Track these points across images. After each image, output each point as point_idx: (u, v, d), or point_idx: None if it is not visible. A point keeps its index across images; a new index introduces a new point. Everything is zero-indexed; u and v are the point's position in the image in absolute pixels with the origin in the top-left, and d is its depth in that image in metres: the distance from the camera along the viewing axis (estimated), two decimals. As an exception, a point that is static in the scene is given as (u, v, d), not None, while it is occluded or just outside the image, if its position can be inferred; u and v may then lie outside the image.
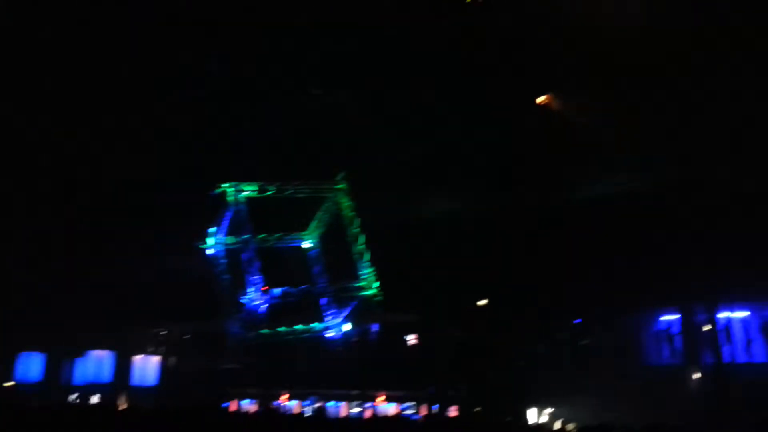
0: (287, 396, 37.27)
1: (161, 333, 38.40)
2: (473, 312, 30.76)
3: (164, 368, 37.37)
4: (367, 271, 25.26)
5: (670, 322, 27.31)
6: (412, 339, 35.56)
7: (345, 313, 27.87)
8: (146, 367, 36.15)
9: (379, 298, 25.70)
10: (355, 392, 32.81)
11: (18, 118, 20.90)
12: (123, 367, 35.67)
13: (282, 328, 26.80)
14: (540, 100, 19.37)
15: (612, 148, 20.17)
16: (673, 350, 27.00)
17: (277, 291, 24.91)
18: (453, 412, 31.42)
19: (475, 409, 30.02)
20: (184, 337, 38.56)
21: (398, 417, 32.59)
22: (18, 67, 18.97)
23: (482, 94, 19.08)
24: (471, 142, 22.19)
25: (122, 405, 33.02)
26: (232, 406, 38.09)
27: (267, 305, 24.92)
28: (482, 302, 30.20)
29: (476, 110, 19.99)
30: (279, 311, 25.69)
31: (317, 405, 36.44)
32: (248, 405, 37.50)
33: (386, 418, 28.49)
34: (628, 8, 15.51)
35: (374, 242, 25.28)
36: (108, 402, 30.65)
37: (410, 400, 35.06)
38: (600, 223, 24.30)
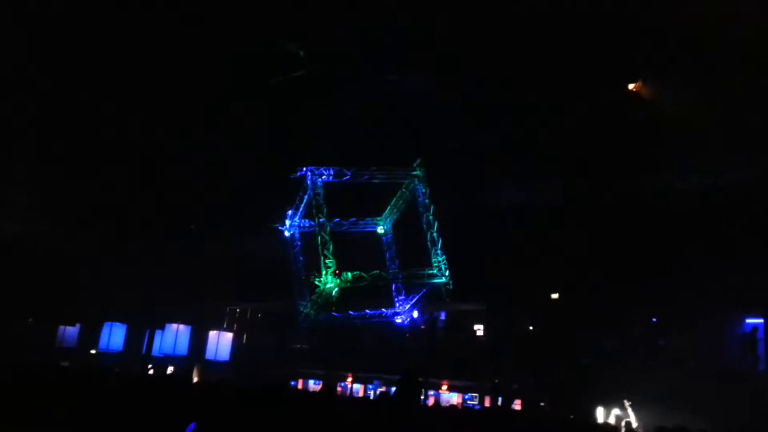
0: (352, 378, 37.97)
1: (236, 310, 39.78)
2: (544, 305, 30.36)
3: (237, 344, 38.73)
4: (439, 259, 25.20)
5: (754, 326, 26.16)
6: (479, 329, 35.45)
7: (414, 300, 27.95)
8: (220, 342, 37.55)
9: (449, 286, 25.61)
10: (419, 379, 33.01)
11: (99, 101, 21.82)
12: (198, 342, 37.15)
13: (352, 312, 27.10)
14: (631, 86, 18.73)
15: (705, 140, 19.34)
16: (756, 356, 25.86)
17: (349, 275, 25.15)
18: (516, 405, 31.18)
19: (539, 404, 29.69)
20: (258, 315, 39.81)
21: (461, 406, 32.67)
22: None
23: (567, 78, 18.60)
24: (550, 129, 21.74)
25: (196, 377, 34.44)
26: (299, 384, 39.12)
27: (338, 288, 25.21)
28: (554, 295, 29.76)
29: (559, 96, 19.54)
30: (350, 295, 25.98)
31: (381, 389, 36.93)
32: (314, 385, 38.46)
33: (449, 407, 28.56)
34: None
35: (447, 230, 25.19)
36: (182, 373, 32.01)
37: (473, 391, 35.02)
38: (686, 218, 23.41)
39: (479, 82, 20.57)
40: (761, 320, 26.04)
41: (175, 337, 37.47)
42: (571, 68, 18.72)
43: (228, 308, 40.83)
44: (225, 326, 40.26)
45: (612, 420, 26.01)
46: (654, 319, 28.43)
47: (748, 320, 26.43)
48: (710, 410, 23.31)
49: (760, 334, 25.81)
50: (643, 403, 25.47)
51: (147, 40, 19.31)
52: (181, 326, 37.83)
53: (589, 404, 27.52)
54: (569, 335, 28.58)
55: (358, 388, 38.14)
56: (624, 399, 25.86)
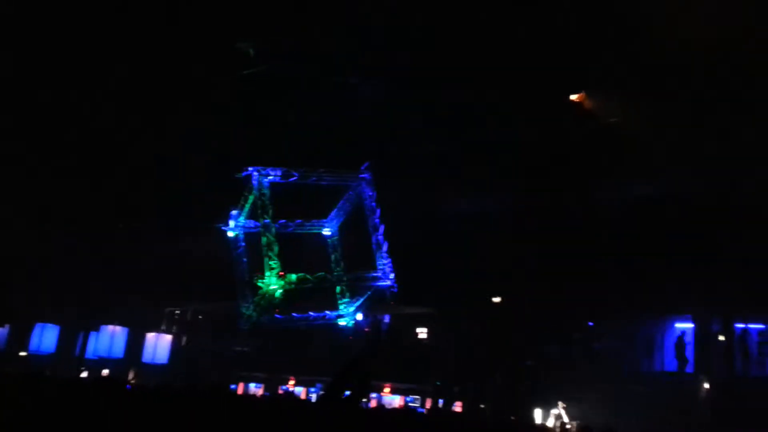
0: (294, 382, 37.59)
1: (175, 312, 38.74)
2: (486, 309, 30.85)
3: (176, 347, 37.71)
4: (384, 262, 25.34)
5: (684, 331, 27.28)
6: (422, 332, 35.73)
7: (359, 303, 27.99)
8: (158, 344, 36.46)
9: (394, 289, 25.79)
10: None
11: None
12: (136, 344, 35.98)
13: (295, 314, 26.92)
14: (574, 97, 19.34)
15: (640, 150, 20.15)
16: (684, 359, 26.96)
17: (293, 276, 25.00)
18: (458, 407, 31.57)
19: (480, 406, 30.14)
20: (198, 317, 38.89)
21: (403, 409, 32.80)
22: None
23: (514, 89, 19.06)
24: (498, 138, 22.21)
25: (131, 380, 33.38)
26: (240, 388, 38.45)
27: (282, 290, 25.03)
28: (496, 299, 30.28)
29: (506, 106, 19.99)
30: (294, 297, 25.81)
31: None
32: (255, 388, 37.86)
33: (391, 409, 28.67)
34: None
35: (393, 234, 25.36)
36: (117, 377, 30.94)
37: (416, 393, 35.26)
38: (621, 226, 24.28)
39: (430, 88, 20.84)
40: (690, 325, 27.17)
41: (110, 339, 36.16)
42: (518, 79, 19.19)
43: (167, 309, 39.79)
44: (164, 328, 39.19)
45: (551, 421, 26.67)
46: (590, 323, 29.33)
47: (678, 325, 27.55)
48: (641, 412, 24.28)
49: (688, 339, 26.93)
50: (579, 405, 26.25)
51: (94, 33, 18.79)
52: (118, 328, 36.54)
53: (529, 406, 28.12)
54: (510, 339, 29.15)
55: (301, 391, 37.80)
56: (559, 401, 26.58)
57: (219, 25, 19.23)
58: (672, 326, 27.88)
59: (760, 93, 17.84)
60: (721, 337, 26.06)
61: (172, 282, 32.66)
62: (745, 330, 26.00)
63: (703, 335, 26.58)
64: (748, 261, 23.09)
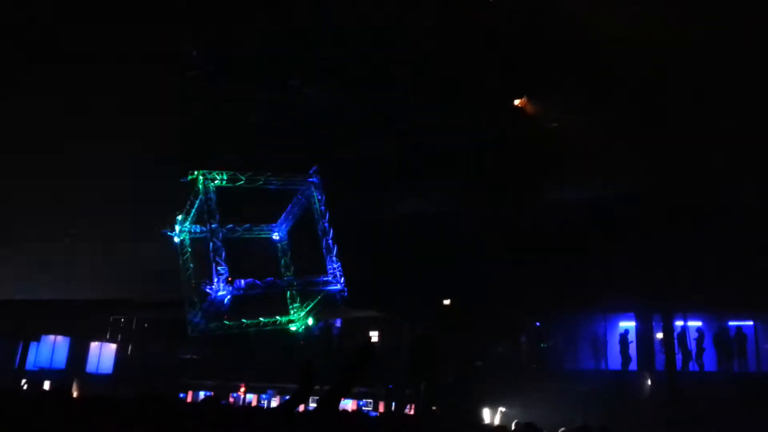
0: (245, 388, 37.14)
1: (120, 319, 37.79)
2: (436, 311, 31.12)
3: (121, 356, 36.80)
4: (334, 266, 25.22)
5: (627, 329, 28.09)
6: (374, 336, 35.80)
7: (309, 307, 27.79)
8: (102, 354, 35.55)
9: (344, 293, 25.70)
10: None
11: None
12: (78, 354, 34.98)
13: (245, 320, 26.52)
14: (517, 102, 19.73)
15: (582, 153, 20.71)
16: (628, 357, 27.76)
17: (242, 282, 24.62)
18: (410, 410, 31.75)
19: (431, 408, 30.38)
20: (144, 325, 38.02)
21: (356, 412, 32.80)
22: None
23: (462, 93, 19.31)
24: (446, 141, 22.44)
25: (75, 392, 32.37)
26: (188, 396, 37.76)
27: (231, 296, 24.61)
28: (446, 302, 30.58)
29: (454, 110, 20.23)
30: (243, 302, 25.43)
31: (275, 398, 36.37)
32: (204, 396, 37.23)
33: (344, 413, 28.53)
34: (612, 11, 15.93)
35: (343, 238, 25.27)
36: (60, 388, 29.99)
37: (368, 397, 35.27)
38: (567, 227, 24.84)
39: (379, 91, 20.89)
40: (633, 323, 28.00)
41: (52, 349, 35.09)
42: (464, 82, 19.43)
43: (112, 318, 38.75)
44: (108, 337, 38.15)
45: (497, 419, 27.05)
46: (537, 323, 29.93)
47: (621, 323, 28.37)
48: (587, 409, 24.89)
49: (631, 337, 27.75)
50: (525, 403, 26.74)
51: (29, 29, 18.14)
52: (59, 337, 35.46)
53: (478, 406, 28.48)
54: (459, 340, 29.47)
55: (252, 398, 37.37)
56: (501, 405, 27.02)
57: (165, 23, 18.80)
58: (615, 325, 28.68)
59: (697, 94, 18.57)
60: (662, 335, 26.95)
61: (116, 289, 31.84)
62: (684, 327, 26.96)
63: (645, 333, 27.43)
64: (687, 260, 23.97)
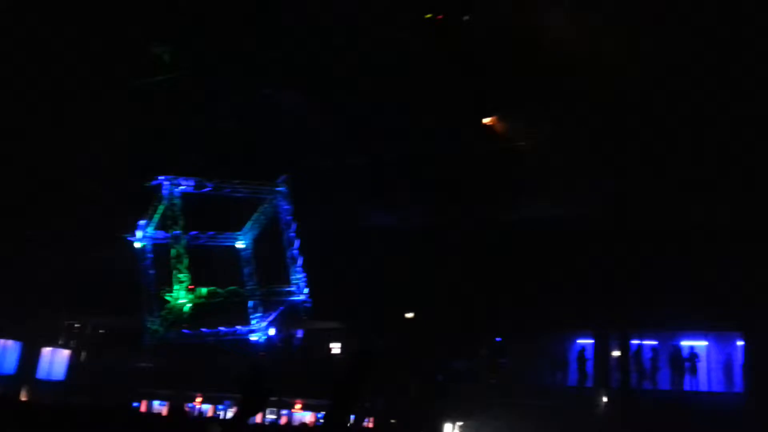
0: (201, 399, 36.42)
1: (74, 325, 36.75)
2: (399, 324, 31.16)
3: (74, 362, 35.76)
4: (298, 277, 25.14)
5: (584, 346, 28.59)
6: (335, 347, 35.60)
7: (271, 318, 27.59)
8: (55, 360, 34.50)
9: (307, 304, 25.62)
10: (271, 398, 32.45)
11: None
12: (29, 359, 33.85)
13: (204, 329, 26.18)
14: (486, 121, 20.12)
15: (545, 172, 21.20)
16: (584, 374, 28.24)
17: (203, 290, 24.35)
18: (369, 423, 31.61)
19: (391, 421, 30.32)
20: (99, 331, 37.06)
21: (314, 425, 32.49)
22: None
23: (432, 109, 19.58)
24: (413, 155, 22.68)
25: (24, 398, 31.36)
26: (143, 406, 36.86)
27: (191, 304, 24.30)
28: (408, 315, 30.65)
29: (424, 125, 20.49)
30: (204, 311, 25.12)
31: (232, 409, 35.76)
32: (159, 406, 36.40)
33: (301, 426, 28.36)
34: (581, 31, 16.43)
35: (308, 248, 25.22)
36: (9, 394, 29.00)
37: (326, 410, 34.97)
38: (528, 247, 25.28)
39: (350, 104, 21.02)
40: (591, 341, 28.52)
41: (2, 353, 33.90)
42: (434, 99, 19.71)
43: (66, 323, 37.67)
44: (61, 342, 37.03)
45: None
46: (498, 339, 30.22)
47: (579, 341, 28.85)
48: (544, 424, 25.26)
49: (588, 354, 28.25)
50: (484, 419, 26.95)
51: None
52: (9, 342, 34.27)
53: (437, 420, 28.55)
54: (421, 354, 29.55)
55: (208, 409, 36.66)
56: (460, 419, 27.20)
57: (133, 28, 18.63)
58: (574, 342, 29.15)
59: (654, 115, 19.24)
60: (618, 353, 27.52)
61: (71, 294, 31.00)
62: (639, 346, 27.58)
63: (602, 351, 27.97)
64: (643, 281, 24.61)
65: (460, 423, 28.20)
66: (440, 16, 16.46)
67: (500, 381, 29.15)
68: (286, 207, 25.01)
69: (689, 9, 16.51)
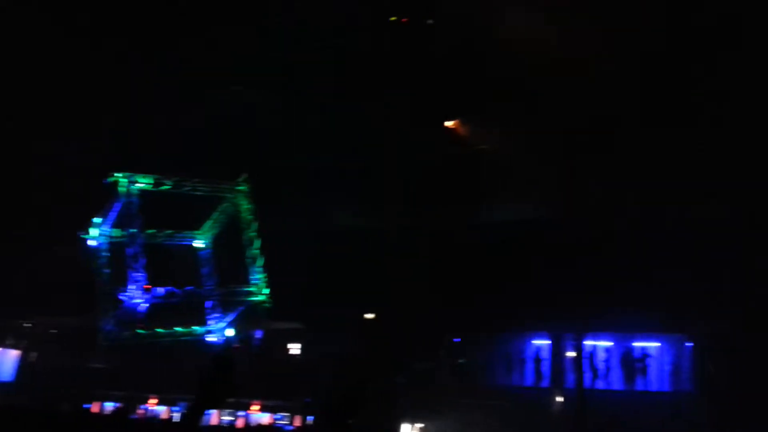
0: (156, 400, 35.73)
1: (24, 325, 35.64)
2: (358, 325, 31.17)
3: (25, 363, 34.71)
4: (258, 277, 24.92)
5: (540, 347, 29.12)
6: (294, 348, 35.38)
7: (230, 318, 27.28)
8: (3, 360, 33.41)
9: (267, 305, 25.42)
10: (228, 399, 32.04)
11: None
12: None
13: (160, 329, 25.74)
14: (448, 124, 20.33)
15: (504, 176, 21.54)
16: (541, 374, 28.76)
17: (160, 290, 23.94)
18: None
19: (348, 422, 30.30)
20: (51, 331, 36.01)
21: (271, 427, 32.20)
22: None
23: (396, 111, 19.70)
24: (374, 156, 22.75)
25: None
26: (95, 407, 35.99)
27: (147, 304, 23.88)
28: (368, 316, 30.70)
29: (387, 127, 20.58)
30: (160, 311, 24.70)
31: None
32: (112, 407, 35.57)
33: (258, 428, 28.11)
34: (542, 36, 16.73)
35: (268, 248, 25.02)
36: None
37: (285, 411, 34.73)
38: (486, 248, 25.62)
39: (313, 104, 20.98)
40: (547, 342, 29.06)
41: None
42: (398, 100, 19.83)
43: (15, 322, 36.51)
44: (10, 343, 35.88)
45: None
46: (456, 340, 30.53)
47: (535, 341, 29.37)
48: (501, 424, 25.63)
49: (544, 355, 28.78)
50: (443, 419, 27.17)
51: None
52: (-46, 342, 33.10)
53: (396, 421, 28.64)
54: (380, 355, 29.62)
55: (162, 410, 35.98)
56: (418, 420, 27.37)
57: (91, 23, 18.21)
58: (530, 343, 29.65)
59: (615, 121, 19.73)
60: (573, 354, 28.10)
61: (21, 292, 30.08)
62: (594, 347, 28.23)
63: (557, 352, 28.52)
64: (598, 283, 25.19)
65: (419, 424, 28.36)
66: (404, 19, 16.56)
67: (458, 382, 29.43)
68: (246, 206, 24.75)
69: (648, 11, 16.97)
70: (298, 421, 33.07)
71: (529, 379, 29.13)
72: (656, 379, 27.46)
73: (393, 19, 16.72)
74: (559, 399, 27.38)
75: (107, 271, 24.62)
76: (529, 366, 29.11)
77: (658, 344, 27.78)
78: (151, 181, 22.98)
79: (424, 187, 23.42)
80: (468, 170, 21.87)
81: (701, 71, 18.39)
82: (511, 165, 21.09)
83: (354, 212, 27.18)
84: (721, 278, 23.48)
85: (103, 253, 24.55)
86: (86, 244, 24.54)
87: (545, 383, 28.51)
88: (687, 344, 27.00)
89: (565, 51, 17.59)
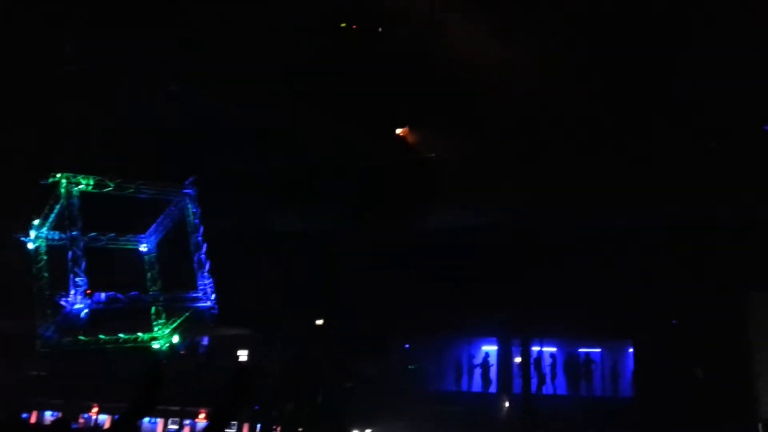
0: (98, 409, 34.70)
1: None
2: (307, 331, 30.95)
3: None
4: (205, 282, 24.47)
5: (488, 353, 29.46)
6: (242, 355, 34.87)
7: (175, 324, 26.70)
8: (-67, 369, 31.88)
9: (214, 310, 24.98)
10: (174, 408, 31.36)
11: None
12: None
13: (103, 336, 25.01)
14: (399, 131, 20.42)
15: (457, 182, 21.75)
16: (488, 380, 29.09)
17: (102, 295, 23.26)
18: (276, 430, 31.16)
19: (298, 429, 30.03)
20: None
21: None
22: None
23: (347, 117, 19.67)
24: (328, 163, 22.68)
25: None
26: (33, 417, 34.75)
27: (89, 310, 23.16)
28: (318, 322, 30.51)
29: (338, 132, 20.54)
30: (102, 317, 24.00)
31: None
32: (51, 417, 34.40)
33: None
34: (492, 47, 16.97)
35: (216, 253, 24.60)
36: None
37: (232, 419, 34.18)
38: (435, 254, 25.81)
39: (260, 107, 20.76)
40: (495, 347, 29.42)
41: None
42: (349, 106, 19.81)
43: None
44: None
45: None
46: (407, 345, 30.62)
47: (483, 347, 29.70)
48: (450, 429, 25.80)
49: (492, 361, 29.13)
50: (392, 424, 27.19)
51: None
52: None
53: (345, 427, 28.52)
54: (329, 361, 29.48)
55: (105, 420, 34.96)
56: (368, 426, 27.35)
57: (32, 19, 17.64)
58: (479, 348, 29.97)
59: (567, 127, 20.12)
60: (520, 359, 28.52)
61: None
62: (540, 353, 28.71)
63: (504, 357, 28.90)
64: (544, 290, 25.64)
65: (369, 430, 28.31)
66: (354, 26, 16.59)
67: (408, 387, 29.49)
68: (193, 209, 24.29)
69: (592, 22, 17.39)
70: (246, 429, 32.60)
71: (477, 385, 29.41)
72: (599, 384, 28.08)
73: (343, 25, 16.75)
74: (507, 404, 27.72)
75: (46, 275, 23.77)
76: (478, 371, 29.40)
77: (599, 350, 28.46)
78: (93, 182, 22.33)
79: (373, 192, 23.46)
80: (416, 177, 22.01)
81: (648, 77, 18.94)
82: (458, 172, 21.32)
83: (302, 217, 27.02)
84: (664, 285, 24.17)
85: (42, 257, 23.72)
86: (24, 246, 23.69)
87: (493, 388, 28.83)
88: (629, 350, 27.72)
89: (515, 58, 17.89)
